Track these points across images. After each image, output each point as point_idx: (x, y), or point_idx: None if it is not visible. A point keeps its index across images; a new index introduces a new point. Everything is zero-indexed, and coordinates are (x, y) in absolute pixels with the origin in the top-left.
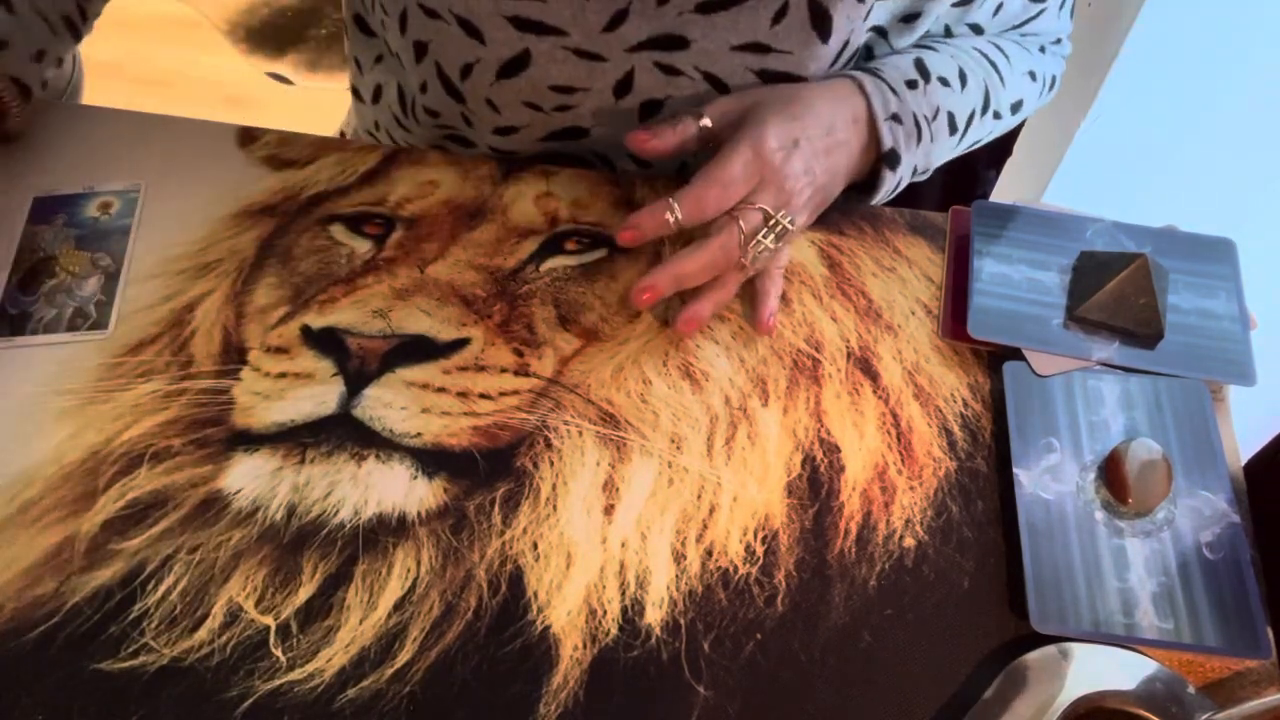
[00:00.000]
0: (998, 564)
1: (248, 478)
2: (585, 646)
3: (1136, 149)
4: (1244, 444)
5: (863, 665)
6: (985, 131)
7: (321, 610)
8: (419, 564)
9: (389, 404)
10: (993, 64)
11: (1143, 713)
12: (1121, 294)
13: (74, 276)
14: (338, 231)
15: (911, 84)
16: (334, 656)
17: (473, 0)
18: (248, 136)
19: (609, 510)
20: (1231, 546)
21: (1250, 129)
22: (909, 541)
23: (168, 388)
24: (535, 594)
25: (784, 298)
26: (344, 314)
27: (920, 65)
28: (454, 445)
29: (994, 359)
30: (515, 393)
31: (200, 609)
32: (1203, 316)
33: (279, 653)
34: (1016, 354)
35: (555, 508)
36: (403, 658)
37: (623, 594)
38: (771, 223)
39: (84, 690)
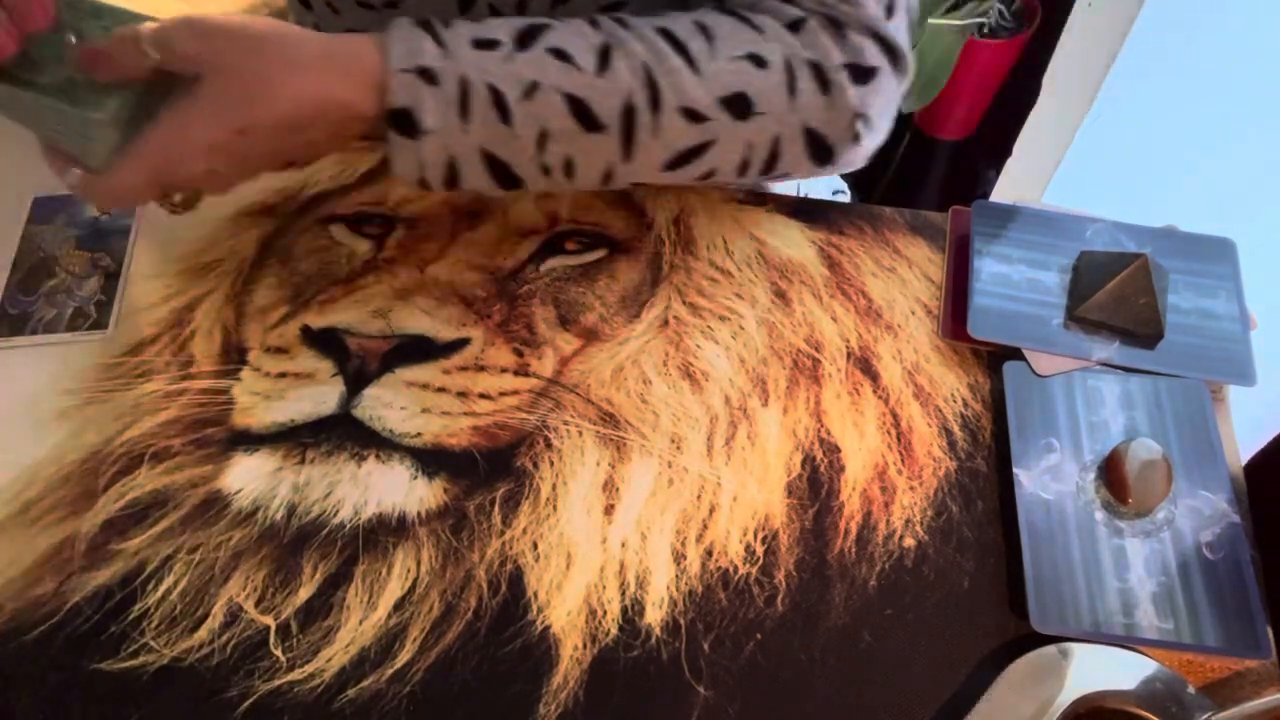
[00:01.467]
0: (998, 564)
1: (248, 478)
2: (585, 646)
3: (1136, 149)
4: (1244, 444)
5: (863, 665)
6: (687, 135)
7: (321, 610)
8: (419, 564)
9: (389, 404)
10: (678, 45)
11: (1143, 713)
12: (1121, 294)
13: (74, 276)
14: (338, 231)
15: (485, 44)
16: (334, 656)
17: None
18: None
19: (609, 510)
20: (1231, 546)
21: (1250, 129)
22: (909, 541)
23: (168, 388)
24: (535, 594)
25: (784, 297)
26: (344, 314)
27: (528, 30)
28: (454, 445)
29: (994, 359)
30: (515, 393)
31: (200, 609)
32: (1203, 316)
33: (279, 653)
34: (1016, 354)
35: (555, 508)
36: (403, 658)
37: (623, 594)
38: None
39: (84, 690)
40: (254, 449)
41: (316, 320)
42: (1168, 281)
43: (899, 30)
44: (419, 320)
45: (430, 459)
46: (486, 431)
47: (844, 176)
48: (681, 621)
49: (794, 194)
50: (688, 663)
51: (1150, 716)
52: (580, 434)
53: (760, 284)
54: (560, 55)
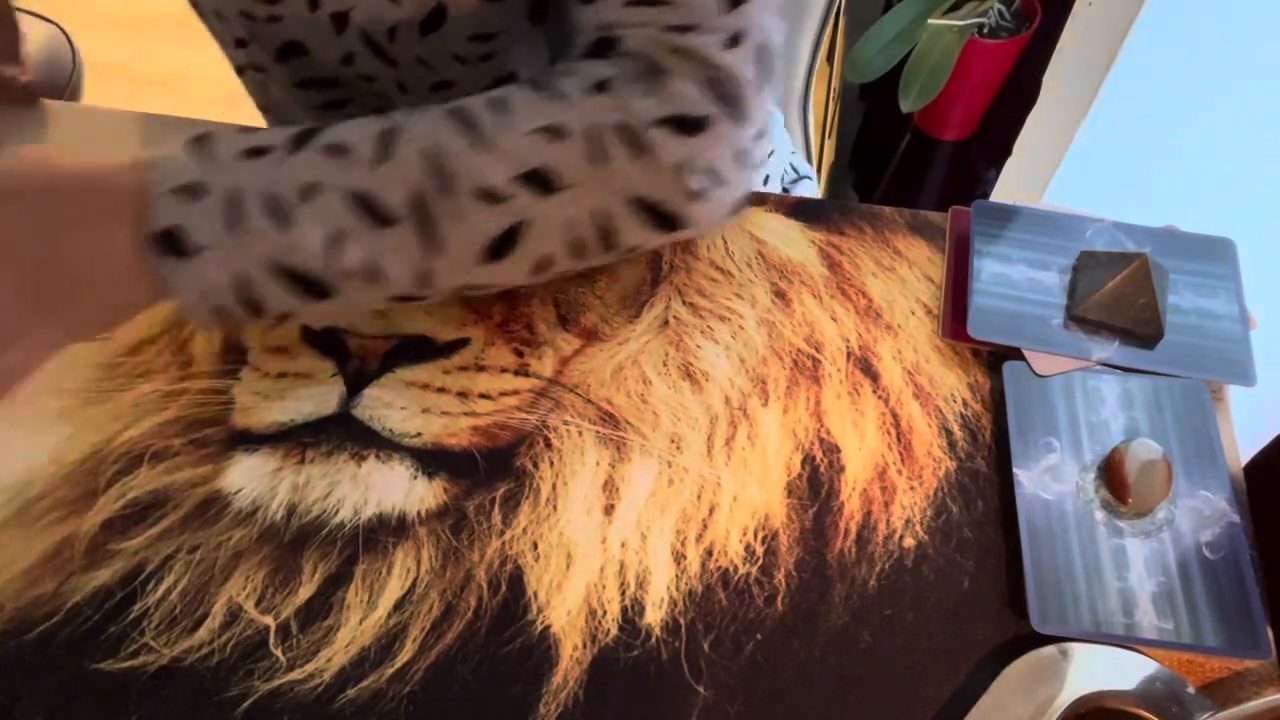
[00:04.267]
0: (998, 564)
1: (248, 478)
2: (585, 646)
3: (1136, 149)
4: (1244, 444)
5: (863, 665)
6: (491, 219)
7: (321, 610)
8: (419, 564)
9: (389, 404)
10: (468, 123)
11: (1143, 713)
12: (1121, 294)
13: None
14: None
15: (256, 151)
16: (334, 656)
17: None
18: None
19: (609, 510)
20: (1231, 546)
21: (1250, 128)
22: (909, 541)
23: (168, 388)
24: (535, 594)
25: (784, 297)
26: None
27: (302, 134)
28: (454, 445)
29: (994, 359)
30: (515, 393)
31: (200, 609)
32: (1203, 316)
33: (279, 653)
34: (1016, 354)
35: (555, 508)
36: (403, 658)
37: (623, 594)
38: None
39: (84, 690)
40: (254, 449)
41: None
42: (1168, 281)
43: (743, 64)
44: (419, 320)
45: (430, 459)
46: (486, 431)
47: (845, 176)
48: (681, 621)
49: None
50: (688, 663)
51: (1150, 716)
52: (580, 434)
53: (760, 284)
54: (336, 151)
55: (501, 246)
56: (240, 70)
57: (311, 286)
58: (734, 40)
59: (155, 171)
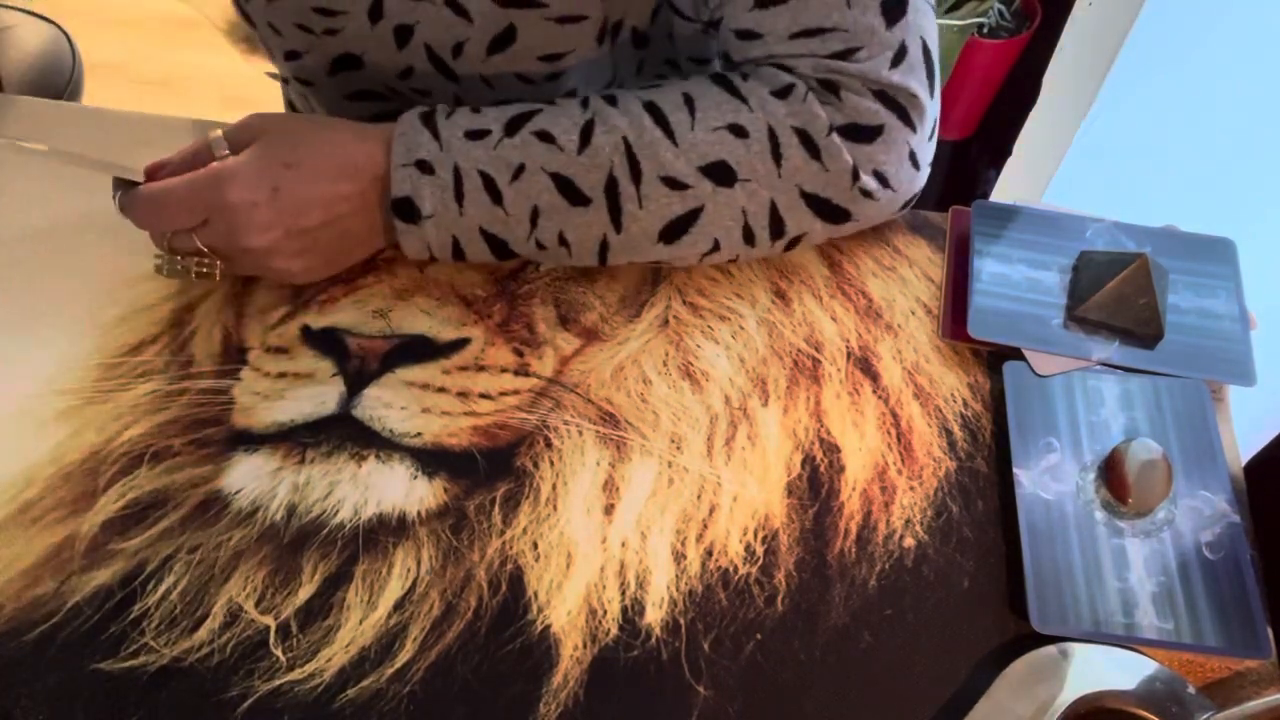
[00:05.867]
0: (998, 564)
1: (248, 478)
2: (585, 646)
3: (1136, 149)
4: (1244, 444)
5: (863, 665)
6: (672, 202)
7: (321, 610)
8: (419, 564)
9: (389, 404)
10: (660, 118)
11: (1143, 713)
12: (1121, 294)
13: None
14: None
15: (478, 134)
16: (334, 656)
17: None
18: None
19: (609, 510)
20: (1231, 546)
21: (1250, 129)
22: (909, 541)
23: (168, 388)
24: (535, 594)
25: (784, 297)
26: (344, 314)
27: (516, 118)
28: (454, 445)
29: (994, 359)
30: (515, 392)
31: (200, 609)
32: (1203, 316)
33: (279, 653)
34: (1016, 354)
35: (555, 507)
36: (403, 657)
37: (623, 594)
38: (200, 261)
39: (84, 690)
40: (254, 449)
41: (316, 320)
42: (1168, 281)
43: (909, 76)
44: (419, 320)
45: (430, 459)
46: (486, 431)
47: None
48: (681, 621)
49: None
50: (688, 663)
51: (1150, 716)
52: (580, 434)
53: (760, 284)
54: (545, 137)
55: (678, 229)
56: (286, 81)
57: (506, 250)
58: (899, 55)
59: (397, 144)
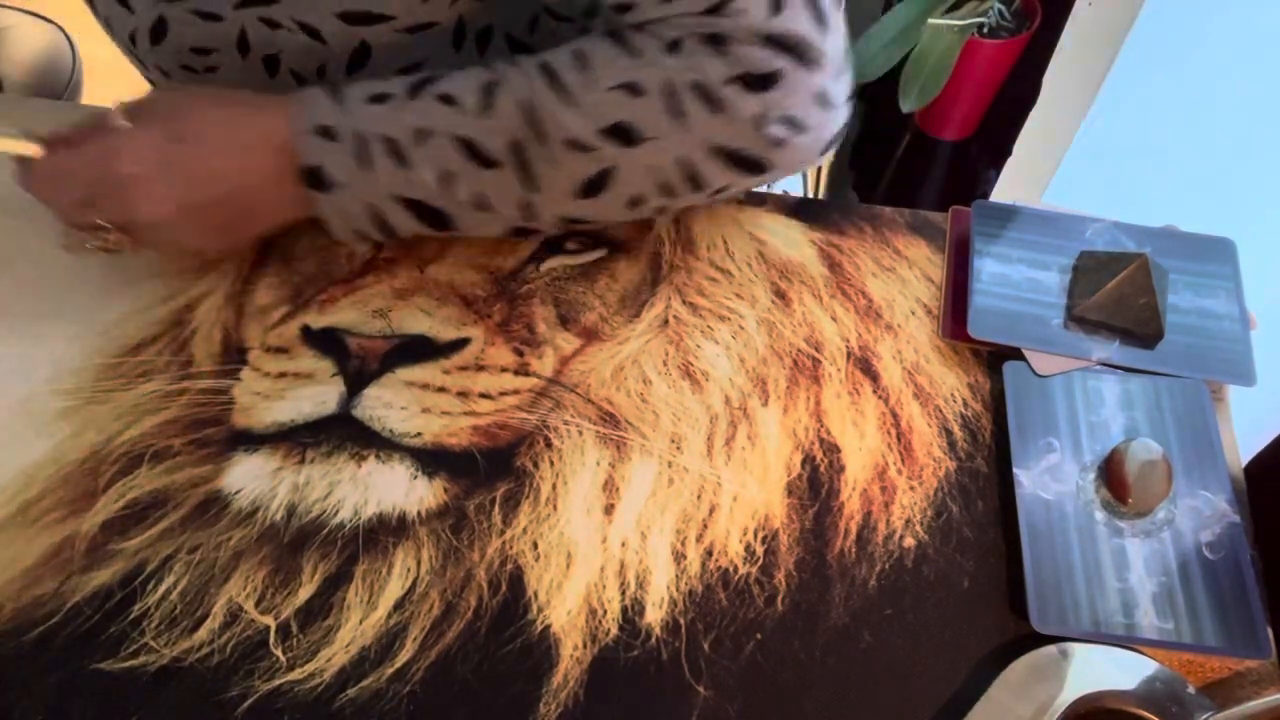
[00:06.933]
0: (998, 564)
1: (248, 478)
2: (585, 646)
3: (1136, 149)
4: (1244, 444)
5: (863, 665)
6: (582, 164)
7: (321, 610)
8: (419, 564)
9: (389, 404)
10: (556, 79)
11: (1143, 713)
12: (1121, 294)
13: None
14: None
15: (380, 98)
16: (334, 656)
17: None
18: None
19: (609, 510)
20: (1231, 546)
21: (1250, 129)
22: (909, 541)
23: (168, 388)
24: (535, 594)
25: (784, 297)
26: (344, 314)
27: (419, 82)
28: (454, 445)
29: (994, 359)
30: (515, 392)
31: (200, 609)
32: (1203, 316)
33: (279, 653)
34: (1016, 354)
35: (555, 507)
36: (403, 657)
37: (623, 594)
38: (103, 236)
39: (84, 690)
40: (254, 449)
41: (316, 320)
42: (1168, 281)
43: (793, 20)
44: (419, 320)
45: (430, 459)
46: (487, 431)
47: (845, 176)
48: (681, 621)
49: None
50: (688, 663)
51: (1150, 716)
52: (580, 434)
53: (760, 284)
54: (447, 99)
55: (595, 187)
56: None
57: (432, 215)
58: (777, 5)
59: (296, 109)
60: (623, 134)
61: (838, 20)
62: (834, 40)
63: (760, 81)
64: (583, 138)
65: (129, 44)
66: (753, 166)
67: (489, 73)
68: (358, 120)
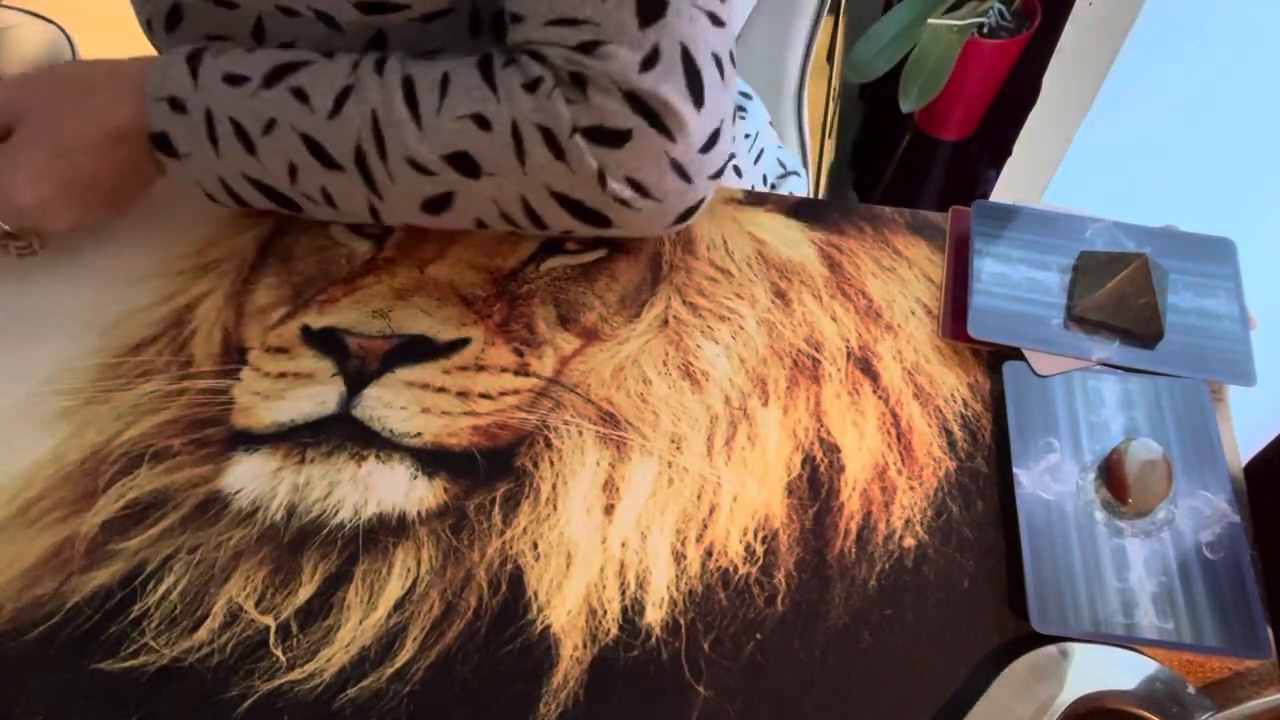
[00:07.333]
0: (998, 564)
1: (248, 478)
2: (585, 646)
3: (1136, 149)
4: (1244, 444)
5: (863, 665)
6: (421, 184)
7: (321, 610)
8: (419, 564)
9: (389, 404)
10: (410, 97)
11: (1143, 713)
12: (1121, 294)
13: None
14: (338, 231)
15: (236, 79)
16: (334, 656)
17: None
18: None
19: (609, 510)
20: (1231, 546)
21: (1250, 129)
22: (909, 541)
23: (168, 388)
24: (535, 594)
25: (784, 297)
26: (344, 314)
27: (280, 68)
28: (454, 445)
29: (994, 359)
30: (515, 392)
31: (200, 609)
32: (1203, 316)
33: (279, 653)
34: (1016, 354)
35: (555, 507)
36: (403, 657)
37: (623, 594)
38: (16, 245)
39: (84, 690)
40: (254, 449)
41: (316, 320)
42: (1168, 281)
43: (662, 82)
44: (419, 320)
45: (430, 459)
46: (486, 431)
47: (845, 176)
48: (681, 621)
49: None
50: (688, 663)
51: (1150, 716)
52: (580, 434)
53: (760, 284)
54: (300, 95)
55: (437, 206)
56: None
57: (282, 200)
58: (651, 58)
59: (152, 74)
60: (464, 163)
61: (719, 104)
62: (705, 119)
63: (608, 136)
64: (423, 160)
65: (146, 29)
66: (595, 219)
67: (350, 76)
68: (209, 97)
